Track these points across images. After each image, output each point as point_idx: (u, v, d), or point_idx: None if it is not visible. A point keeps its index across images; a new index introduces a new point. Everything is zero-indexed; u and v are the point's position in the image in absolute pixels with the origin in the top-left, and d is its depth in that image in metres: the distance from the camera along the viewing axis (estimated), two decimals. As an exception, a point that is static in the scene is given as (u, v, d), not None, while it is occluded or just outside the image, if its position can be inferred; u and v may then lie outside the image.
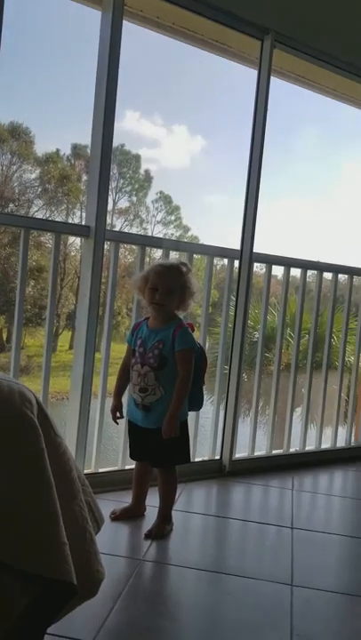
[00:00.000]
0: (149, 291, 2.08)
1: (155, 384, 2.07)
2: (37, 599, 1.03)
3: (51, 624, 1.12)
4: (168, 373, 2.06)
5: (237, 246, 2.83)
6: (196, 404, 2.20)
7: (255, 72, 2.85)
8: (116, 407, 2.19)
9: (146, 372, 2.08)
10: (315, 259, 3.42)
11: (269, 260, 3.02)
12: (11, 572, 1.00)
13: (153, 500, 2.23)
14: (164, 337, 2.07)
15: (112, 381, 2.49)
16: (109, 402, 2.53)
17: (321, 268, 3.29)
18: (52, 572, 1.01)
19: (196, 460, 2.82)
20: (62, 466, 1.14)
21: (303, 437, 3.24)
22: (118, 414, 2.19)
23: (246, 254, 2.82)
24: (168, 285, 2.07)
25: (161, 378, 2.06)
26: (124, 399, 2.21)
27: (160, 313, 2.10)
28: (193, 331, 2.16)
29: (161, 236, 19.59)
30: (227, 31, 2.72)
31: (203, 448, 2.91)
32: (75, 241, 15.85)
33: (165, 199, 20.63)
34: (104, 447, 2.59)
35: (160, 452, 2.12)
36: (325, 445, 3.34)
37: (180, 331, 2.07)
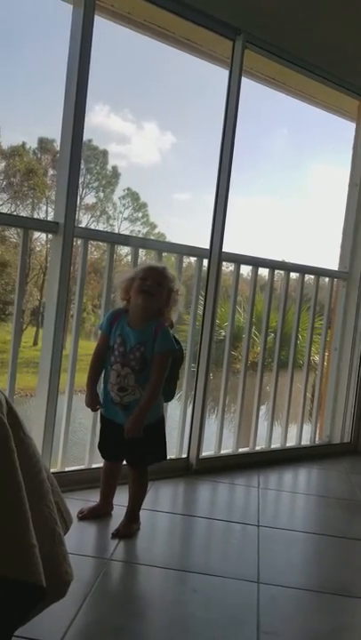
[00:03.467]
0: (139, 280, 2.05)
1: (134, 385, 2.05)
2: (6, 601, 1.02)
3: (19, 626, 1.11)
4: (148, 374, 2.04)
5: (205, 244, 2.84)
6: (169, 396, 2.19)
7: (226, 71, 2.86)
8: (95, 399, 2.14)
9: (126, 373, 2.05)
10: (281, 259, 3.47)
11: (238, 260, 3.04)
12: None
13: (121, 499, 2.22)
14: (146, 339, 2.04)
15: (79, 378, 2.48)
16: (77, 399, 2.51)
17: (288, 268, 3.33)
18: (22, 574, 1.00)
19: (163, 458, 2.82)
20: (32, 467, 1.12)
21: (269, 436, 3.28)
22: (98, 406, 2.16)
23: (215, 253, 2.83)
24: (159, 279, 2.06)
25: (141, 379, 2.04)
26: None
27: (146, 306, 2.05)
28: (172, 327, 2.14)
29: (128, 232, 19.49)
30: (198, 30, 2.72)
31: (170, 446, 2.90)
32: (40, 236, 15.63)
33: (133, 196, 20.54)
34: (70, 446, 2.57)
35: (138, 450, 2.10)
36: (290, 443, 3.39)
37: (162, 331, 2.04)
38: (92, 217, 19.81)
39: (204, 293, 2.89)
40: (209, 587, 1.82)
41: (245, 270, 3.26)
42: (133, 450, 2.10)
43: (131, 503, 2.15)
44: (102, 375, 2.16)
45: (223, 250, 2.85)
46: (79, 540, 2.03)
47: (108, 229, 19.30)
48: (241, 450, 3.15)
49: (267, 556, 2.06)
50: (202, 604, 1.71)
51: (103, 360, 2.13)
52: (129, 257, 2.73)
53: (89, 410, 2.20)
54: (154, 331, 2.04)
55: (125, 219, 20.42)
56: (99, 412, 2.21)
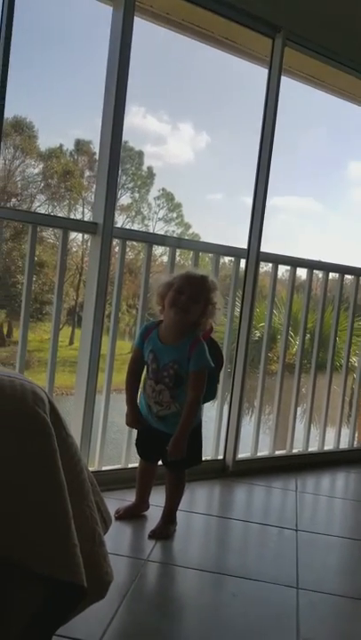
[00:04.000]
0: (174, 293, 1.97)
1: (170, 400, 2.02)
2: (48, 601, 1.02)
3: (60, 625, 1.11)
4: (184, 390, 2.00)
5: (239, 244, 2.83)
6: (210, 397, 2.15)
7: (263, 69, 2.84)
8: (137, 415, 2.10)
9: (161, 389, 2.02)
10: (317, 258, 3.42)
11: (276, 260, 3.00)
12: (22, 573, 0.99)
13: (157, 500, 2.21)
14: (180, 356, 1.98)
15: (116, 378, 2.49)
16: (114, 398, 2.52)
17: (327, 268, 3.27)
18: (63, 573, 1.00)
19: (200, 459, 2.81)
20: (73, 466, 1.12)
21: (306, 438, 3.23)
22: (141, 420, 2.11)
23: (253, 253, 2.80)
24: (196, 294, 1.97)
25: (176, 395, 2.01)
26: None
27: (178, 321, 1.98)
28: (212, 331, 2.09)
29: (162, 233, 19.56)
30: (237, 28, 2.70)
31: (206, 447, 2.89)
32: (76, 237, 15.79)
33: (167, 196, 20.59)
34: (107, 445, 2.57)
35: None
36: (328, 447, 3.33)
37: (197, 349, 1.97)
38: (127, 217, 19.95)
39: (240, 294, 2.87)
40: (247, 591, 1.80)
41: (280, 270, 3.22)
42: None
43: (168, 504, 2.15)
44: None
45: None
46: (116, 541, 2.03)
47: (143, 230, 19.39)
48: (278, 452, 3.12)
49: (305, 560, 2.03)
50: (241, 609, 1.69)
51: (138, 376, 2.10)
52: (164, 257, 2.73)
53: (126, 409, 2.14)
54: (188, 348, 1.98)
55: (160, 219, 20.50)
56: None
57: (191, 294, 1.97)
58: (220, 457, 2.86)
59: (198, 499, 2.55)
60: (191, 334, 2.01)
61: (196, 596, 1.78)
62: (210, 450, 2.89)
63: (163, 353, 2.01)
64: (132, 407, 2.11)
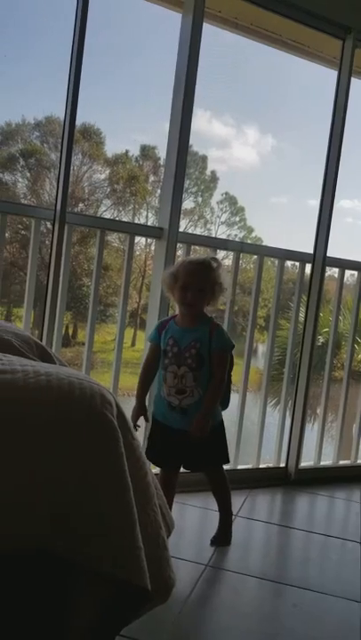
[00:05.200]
0: (180, 289, 1.98)
1: (193, 385, 1.97)
2: (112, 603, 1.04)
3: (123, 627, 1.13)
4: (206, 373, 1.97)
5: (304, 248, 2.80)
6: (224, 403, 2.09)
7: (331, 71, 2.80)
8: (142, 410, 2.08)
9: (184, 372, 1.98)
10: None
11: (343, 265, 2.94)
12: (87, 575, 1.01)
13: (212, 504, 2.20)
14: (200, 336, 1.98)
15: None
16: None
17: None
18: (129, 576, 1.01)
19: (261, 466, 2.78)
20: (138, 470, 1.13)
21: (372, 449, 3.14)
22: (143, 418, 2.09)
23: (320, 258, 2.75)
24: (200, 284, 1.97)
25: (199, 378, 1.97)
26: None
27: (191, 312, 2.01)
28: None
29: (225, 236, 19.51)
30: (305, 30, 2.67)
31: (267, 454, 2.86)
32: (140, 240, 16.01)
33: (230, 200, 20.52)
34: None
35: (200, 455, 2.02)
36: (395, 458, 3.22)
37: (218, 330, 2.00)
38: (189, 221, 20.03)
39: (305, 298, 2.82)
40: (308, 602, 1.77)
41: (346, 275, 3.14)
42: (196, 454, 2.02)
43: (220, 506, 2.11)
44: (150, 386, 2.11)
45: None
46: (177, 545, 2.03)
47: (205, 234, 19.41)
48: (342, 462, 3.04)
49: (370, 575, 1.97)
50: (302, 620, 1.66)
51: (153, 371, 2.08)
52: (225, 261, 2.74)
53: (147, 416, 2.11)
54: (209, 330, 1.99)
55: (222, 223, 20.45)
56: (151, 415, 2.12)
57: (196, 288, 1.97)
58: (283, 465, 2.82)
59: (259, 506, 2.52)
60: (207, 317, 2.03)
61: (256, 605, 1.76)
62: (271, 456, 2.85)
63: (183, 335, 2.00)
64: (140, 402, 2.08)
